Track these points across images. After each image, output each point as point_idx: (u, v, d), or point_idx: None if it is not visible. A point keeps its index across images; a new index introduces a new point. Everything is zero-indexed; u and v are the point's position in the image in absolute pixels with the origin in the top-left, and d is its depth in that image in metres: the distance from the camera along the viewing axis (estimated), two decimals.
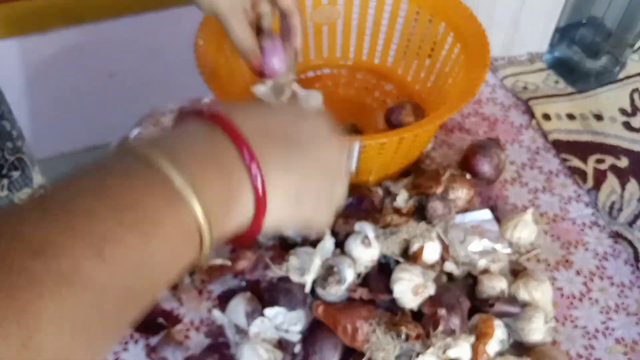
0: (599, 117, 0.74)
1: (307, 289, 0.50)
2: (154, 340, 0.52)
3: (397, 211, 0.58)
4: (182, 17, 1.18)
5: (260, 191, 0.27)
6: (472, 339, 0.48)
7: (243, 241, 0.30)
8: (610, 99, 0.77)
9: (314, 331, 0.49)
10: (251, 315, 0.50)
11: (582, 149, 0.70)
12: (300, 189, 0.30)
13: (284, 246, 0.57)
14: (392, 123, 0.68)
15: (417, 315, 0.49)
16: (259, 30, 0.56)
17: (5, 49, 1.11)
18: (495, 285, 0.52)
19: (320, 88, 0.76)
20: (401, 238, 0.52)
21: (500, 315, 0.51)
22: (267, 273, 0.52)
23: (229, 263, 0.53)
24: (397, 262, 0.51)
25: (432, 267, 0.52)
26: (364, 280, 0.50)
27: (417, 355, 0.46)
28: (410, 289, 0.48)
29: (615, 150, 0.70)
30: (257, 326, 0.49)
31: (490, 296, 0.52)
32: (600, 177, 0.67)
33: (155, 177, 0.24)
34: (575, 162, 0.68)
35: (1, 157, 0.61)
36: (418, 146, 0.63)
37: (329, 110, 0.78)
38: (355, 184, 0.61)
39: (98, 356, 0.23)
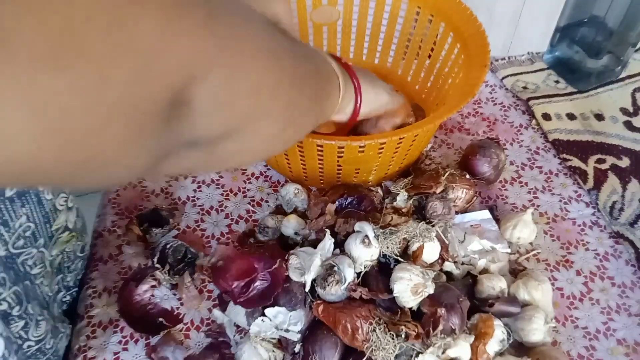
0: (599, 117, 0.74)
1: (307, 288, 0.50)
2: (154, 340, 0.52)
3: (397, 211, 0.58)
4: None
5: (359, 97, 0.50)
6: (472, 338, 0.48)
7: (348, 124, 0.53)
8: (612, 99, 0.77)
9: (314, 331, 0.49)
10: (251, 315, 0.50)
11: (583, 149, 0.70)
12: (375, 94, 0.54)
13: (284, 246, 0.57)
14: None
15: (416, 315, 0.49)
16: None
17: None
18: (495, 285, 0.52)
19: None
20: (401, 238, 0.52)
21: (500, 315, 0.51)
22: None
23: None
24: (397, 262, 0.51)
25: (431, 266, 0.52)
26: (364, 279, 0.50)
27: (417, 354, 0.46)
28: (409, 288, 0.48)
29: (616, 150, 0.70)
30: (257, 326, 0.49)
31: (490, 296, 0.52)
32: (601, 177, 0.67)
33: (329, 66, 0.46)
34: (576, 162, 0.68)
35: None
36: (418, 146, 0.63)
37: None
38: (355, 184, 0.61)
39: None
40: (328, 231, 0.53)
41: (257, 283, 0.49)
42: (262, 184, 0.66)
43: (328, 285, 0.49)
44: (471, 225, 0.59)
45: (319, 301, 0.49)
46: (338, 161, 0.58)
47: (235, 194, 0.65)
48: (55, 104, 0.18)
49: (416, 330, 0.46)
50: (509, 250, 0.58)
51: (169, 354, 0.51)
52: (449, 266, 0.54)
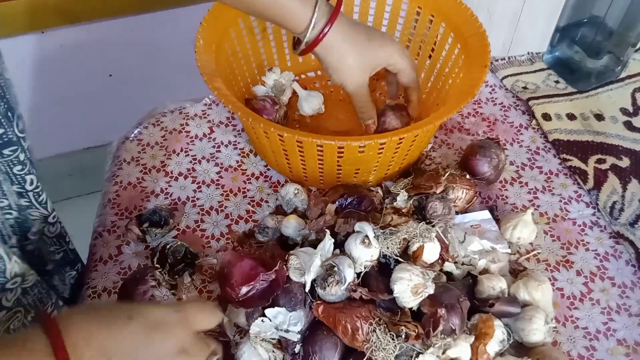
0: (599, 117, 0.74)
1: (307, 288, 0.50)
2: None
3: (397, 211, 0.58)
4: (182, 17, 1.18)
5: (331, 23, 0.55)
6: (472, 339, 0.48)
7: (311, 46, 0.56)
8: (612, 99, 0.77)
9: (314, 331, 0.49)
10: (251, 315, 0.50)
11: (583, 149, 0.70)
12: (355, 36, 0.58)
13: (284, 246, 0.57)
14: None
15: (416, 315, 0.49)
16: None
17: (4, 48, 1.11)
18: (495, 285, 0.52)
19: (320, 88, 0.76)
20: (401, 238, 0.52)
21: (500, 315, 0.51)
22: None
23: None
24: (397, 262, 0.51)
25: (431, 267, 0.52)
26: (364, 280, 0.50)
27: (417, 355, 0.46)
28: (410, 288, 0.48)
29: (616, 150, 0.70)
30: (257, 326, 0.49)
31: (490, 296, 0.52)
32: (601, 177, 0.67)
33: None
34: (576, 162, 0.68)
35: None
36: (418, 146, 0.63)
37: (329, 110, 0.78)
38: (355, 184, 0.61)
39: None
40: (328, 231, 0.53)
41: (257, 284, 0.49)
42: (262, 184, 0.66)
43: (328, 285, 0.49)
44: (471, 226, 0.59)
45: (319, 301, 0.49)
46: (338, 161, 0.58)
47: (235, 194, 0.65)
48: None
49: (416, 330, 0.46)
50: (509, 251, 0.58)
51: None
52: (449, 266, 0.54)
